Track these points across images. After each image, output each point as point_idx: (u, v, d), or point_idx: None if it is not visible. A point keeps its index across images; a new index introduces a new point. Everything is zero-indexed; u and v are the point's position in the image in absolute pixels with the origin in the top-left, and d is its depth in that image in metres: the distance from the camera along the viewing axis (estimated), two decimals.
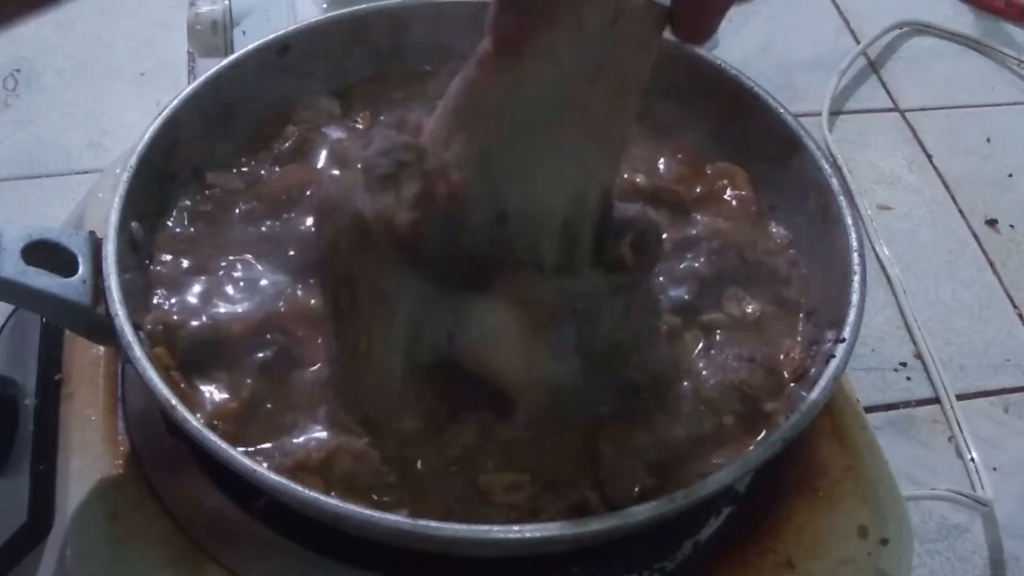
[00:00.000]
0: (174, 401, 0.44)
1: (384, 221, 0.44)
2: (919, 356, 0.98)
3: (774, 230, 0.59)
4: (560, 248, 0.46)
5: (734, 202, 0.60)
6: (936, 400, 0.95)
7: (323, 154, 0.61)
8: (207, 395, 0.49)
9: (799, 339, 0.54)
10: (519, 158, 0.44)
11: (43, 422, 0.55)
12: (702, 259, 0.56)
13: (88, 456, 0.52)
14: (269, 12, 0.92)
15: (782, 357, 0.53)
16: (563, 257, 0.46)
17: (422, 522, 0.42)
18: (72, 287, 0.48)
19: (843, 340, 0.49)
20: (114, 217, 0.51)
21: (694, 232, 0.57)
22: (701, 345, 0.53)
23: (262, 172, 0.60)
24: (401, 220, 0.44)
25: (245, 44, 0.62)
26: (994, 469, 0.90)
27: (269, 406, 0.49)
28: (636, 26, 0.42)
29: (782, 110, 0.59)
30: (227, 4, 0.93)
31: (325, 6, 0.87)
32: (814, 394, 0.47)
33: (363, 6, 0.64)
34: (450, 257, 0.45)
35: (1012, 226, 1.11)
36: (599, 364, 0.49)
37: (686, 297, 0.54)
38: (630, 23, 0.41)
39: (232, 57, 0.60)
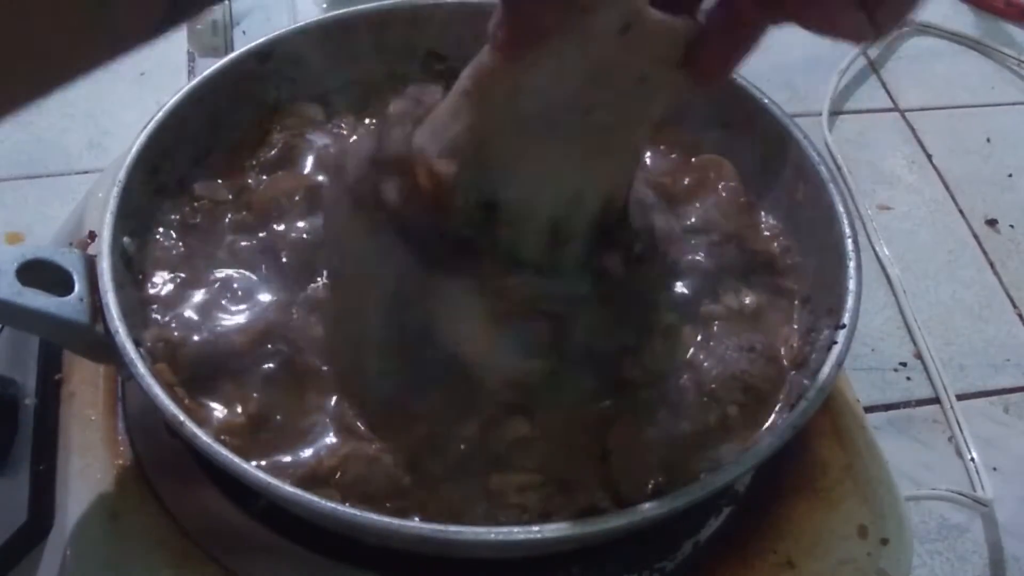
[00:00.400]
0: (182, 417, 0.44)
1: (372, 194, 0.46)
2: (919, 356, 0.98)
3: (764, 220, 0.59)
4: (545, 247, 0.46)
5: (723, 193, 0.60)
6: (936, 400, 0.95)
7: (310, 160, 0.61)
8: (213, 409, 0.49)
9: (796, 327, 0.54)
10: (515, 152, 0.44)
11: (43, 422, 0.55)
12: (701, 252, 0.56)
13: (88, 456, 0.52)
14: (269, 12, 0.92)
15: (781, 346, 0.53)
16: (548, 256, 0.46)
17: (440, 527, 0.42)
18: (69, 306, 0.48)
19: (843, 326, 0.49)
20: (107, 233, 0.51)
21: (686, 224, 0.57)
22: (700, 337, 0.53)
23: (249, 181, 0.59)
24: (386, 198, 0.45)
25: (245, 44, 0.62)
26: (994, 469, 0.90)
27: (279, 417, 0.49)
28: (649, 38, 0.41)
29: (767, 100, 0.59)
30: (227, 4, 0.93)
31: (325, 6, 0.87)
32: (820, 380, 0.47)
33: (343, 11, 0.64)
34: (431, 236, 0.45)
35: (1012, 226, 1.11)
36: (581, 365, 0.49)
37: (684, 291, 0.54)
38: (642, 35, 0.41)
39: (212, 68, 0.60)
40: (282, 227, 0.56)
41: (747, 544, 0.52)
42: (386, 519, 0.42)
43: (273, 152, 0.60)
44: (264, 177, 0.59)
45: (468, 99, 0.44)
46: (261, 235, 0.56)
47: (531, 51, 0.41)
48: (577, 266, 0.47)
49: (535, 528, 0.43)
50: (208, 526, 0.50)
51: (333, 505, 0.43)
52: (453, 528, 0.43)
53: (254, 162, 0.60)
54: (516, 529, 0.43)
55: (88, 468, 0.52)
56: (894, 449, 0.81)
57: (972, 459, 0.90)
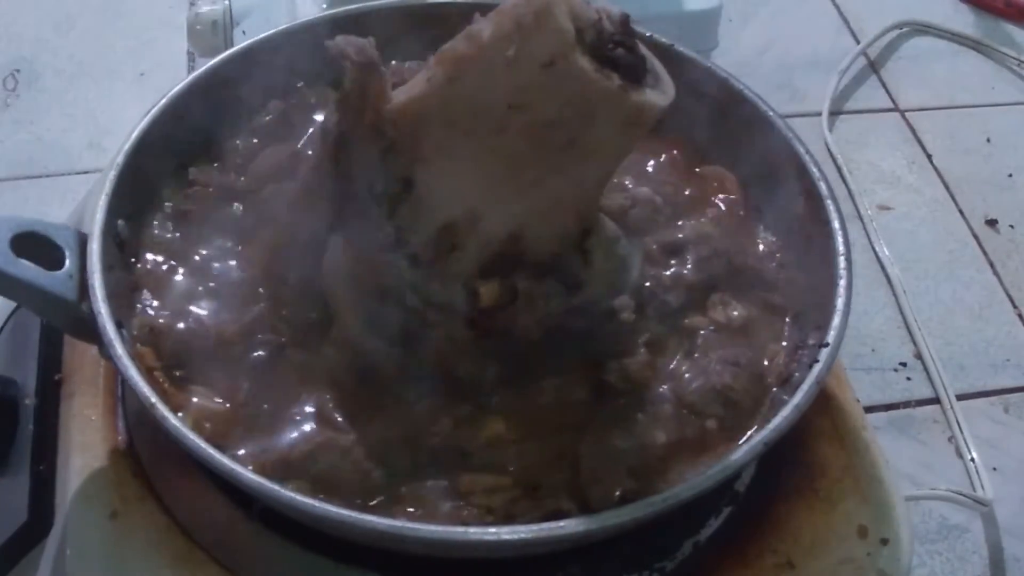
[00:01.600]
0: (153, 399, 0.44)
1: (326, 127, 0.48)
2: (919, 356, 0.98)
3: (762, 234, 0.59)
4: (432, 246, 0.47)
5: (723, 205, 0.59)
6: (936, 400, 0.95)
7: (309, 132, 0.60)
8: (197, 396, 0.49)
9: (784, 343, 0.54)
10: (439, 141, 0.45)
11: (43, 422, 0.55)
12: (689, 265, 0.55)
13: (88, 456, 0.52)
14: (269, 12, 0.92)
15: (766, 362, 0.53)
16: (431, 256, 0.47)
17: (396, 523, 0.42)
18: (58, 280, 0.48)
19: (826, 345, 0.49)
20: (99, 215, 0.51)
21: (681, 236, 0.57)
22: (685, 349, 0.53)
23: (238, 142, 0.59)
24: (328, 126, 0.47)
25: (246, 41, 0.62)
26: (994, 469, 0.90)
27: (265, 406, 0.49)
28: (573, 83, 0.42)
29: (771, 113, 0.59)
30: (227, 4, 0.93)
31: (325, 6, 0.87)
32: (796, 398, 0.47)
33: (340, 9, 0.64)
34: (343, 183, 0.47)
35: (1012, 226, 1.12)
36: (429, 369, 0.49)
37: (672, 304, 0.54)
38: (566, 76, 0.42)
39: (215, 60, 0.60)
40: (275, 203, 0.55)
41: (747, 544, 0.52)
42: (344, 512, 0.42)
43: (268, 118, 0.60)
44: (254, 141, 0.59)
45: (425, 74, 0.45)
46: (252, 207, 0.56)
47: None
48: (458, 280, 0.48)
49: (491, 530, 0.43)
50: (208, 526, 0.50)
51: (292, 495, 0.42)
52: (410, 525, 0.42)
53: (246, 125, 0.60)
54: (472, 530, 0.43)
55: (88, 468, 0.52)
56: (894, 449, 0.82)
57: (972, 459, 0.90)
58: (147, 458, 0.52)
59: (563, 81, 0.42)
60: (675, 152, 0.62)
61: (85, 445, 0.53)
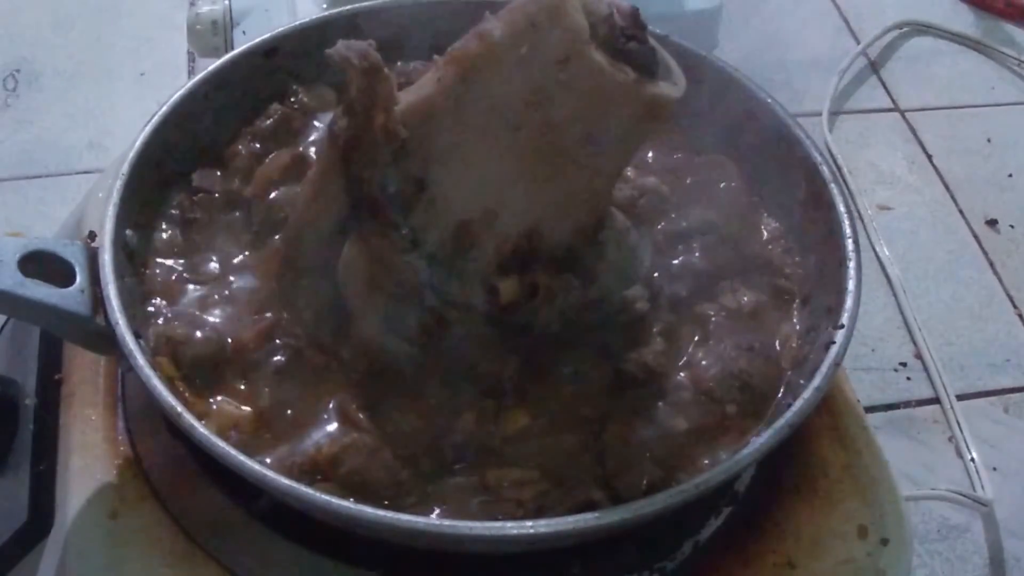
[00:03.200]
0: (180, 409, 0.44)
1: (334, 130, 0.48)
2: (919, 356, 0.98)
3: (766, 220, 0.59)
4: (449, 245, 0.47)
5: (726, 193, 0.60)
6: (936, 400, 0.95)
7: (304, 135, 0.61)
8: (219, 404, 0.49)
9: (796, 327, 0.54)
10: (453, 139, 0.45)
11: (43, 422, 0.55)
12: (696, 253, 0.56)
13: (88, 456, 0.52)
14: (269, 12, 0.92)
15: (779, 346, 0.53)
16: (448, 254, 0.47)
17: (433, 521, 0.43)
18: (71, 297, 0.48)
19: (842, 326, 0.49)
20: (109, 226, 0.51)
21: (685, 225, 0.57)
22: (699, 336, 0.53)
23: (240, 148, 0.59)
24: (336, 130, 0.47)
25: (245, 44, 0.62)
26: (994, 469, 0.90)
27: (288, 410, 0.49)
28: (587, 79, 0.42)
29: (770, 99, 0.59)
30: (227, 4, 0.93)
31: (325, 6, 0.87)
32: (816, 380, 0.47)
33: (344, 8, 0.64)
34: (356, 183, 0.47)
35: (1012, 226, 1.12)
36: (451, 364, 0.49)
37: (682, 292, 0.54)
38: (580, 72, 0.42)
39: (216, 64, 0.60)
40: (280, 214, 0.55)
41: (747, 544, 0.52)
42: (380, 512, 0.42)
43: (269, 122, 0.60)
44: (256, 145, 0.59)
45: (435, 73, 0.46)
46: (259, 212, 0.56)
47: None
48: (477, 278, 0.48)
49: (528, 523, 0.43)
50: (208, 526, 0.50)
51: (327, 498, 0.43)
52: (447, 523, 0.43)
53: (249, 131, 0.60)
54: (509, 524, 0.43)
55: (88, 468, 0.52)
56: (894, 449, 0.81)
57: (972, 459, 0.90)
58: (147, 458, 0.52)
59: (579, 77, 0.42)
60: (675, 142, 0.63)
61: (85, 445, 0.53)
